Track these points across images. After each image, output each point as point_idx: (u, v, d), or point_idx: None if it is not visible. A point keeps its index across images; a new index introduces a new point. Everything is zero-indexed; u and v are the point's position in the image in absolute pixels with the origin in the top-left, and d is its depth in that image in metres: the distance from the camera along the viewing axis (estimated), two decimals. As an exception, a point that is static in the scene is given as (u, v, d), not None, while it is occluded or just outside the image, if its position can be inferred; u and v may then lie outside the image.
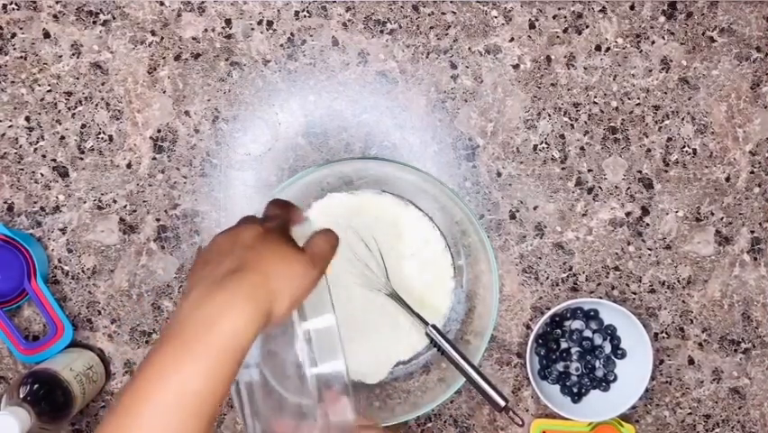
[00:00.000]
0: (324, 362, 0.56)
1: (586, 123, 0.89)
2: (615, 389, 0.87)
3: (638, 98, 0.89)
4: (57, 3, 0.87)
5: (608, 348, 0.88)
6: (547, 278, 0.89)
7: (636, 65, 0.89)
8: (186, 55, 0.88)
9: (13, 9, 0.87)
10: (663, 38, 0.89)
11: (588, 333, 0.88)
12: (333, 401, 0.57)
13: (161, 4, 0.87)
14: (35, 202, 0.87)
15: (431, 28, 0.88)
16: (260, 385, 0.57)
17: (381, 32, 0.88)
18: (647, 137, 0.89)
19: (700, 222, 0.89)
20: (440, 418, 0.88)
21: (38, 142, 0.87)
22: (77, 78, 0.87)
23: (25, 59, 0.87)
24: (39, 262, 0.84)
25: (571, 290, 0.89)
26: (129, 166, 0.88)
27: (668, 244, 0.89)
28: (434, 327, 0.80)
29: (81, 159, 0.87)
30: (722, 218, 0.89)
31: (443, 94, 0.88)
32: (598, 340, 0.87)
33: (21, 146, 0.87)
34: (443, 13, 0.88)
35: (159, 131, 0.88)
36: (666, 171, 0.89)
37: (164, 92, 0.88)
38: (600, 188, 0.89)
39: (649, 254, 0.89)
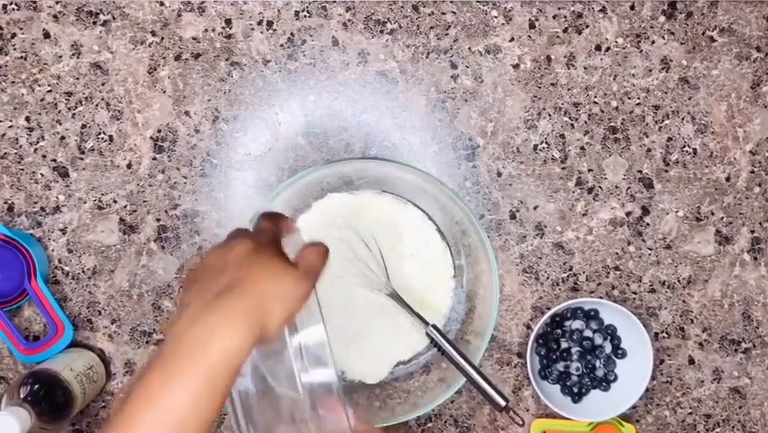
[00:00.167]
0: (316, 371, 0.56)
1: (586, 122, 0.89)
2: (615, 389, 0.87)
3: (638, 98, 0.89)
4: (57, 3, 0.87)
5: (608, 348, 0.88)
6: (547, 278, 0.89)
7: (636, 65, 0.89)
8: (186, 55, 0.88)
9: (13, 9, 0.87)
10: (663, 38, 0.89)
11: (588, 333, 0.88)
12: (329, 410, 0.57)
13: (161, 4, 0.87)
14: (35, 202, 0.87)
15: (431, 28, 0.88)
16: (255, 393, 0.57)
17: (381, 32, 0.88)
18: (647, 137, 0.89)
19: (701, 222, 0.89)
20: (440, 418, 0.88)
21: (38, 142, 0.87)
22: (78, 79, 0.87)
23: (25, 59, 0.87)
24: (39, 262, 0.84)
25: (571, 289, 0.89)
26: (129, 166, 0.88)
27: (668, 243, 0.89)
28: (434, 327, 0.80)
29: (81, 159, 0.87)
30: (722, 218, 0.89)
31: (443, 94, 0.88)
32: (598, 340, 0.87)
33: (21, 146, 0.87)
34: (443, 13, 0.88)
35: (159, 131, 0.88)
36: (666, 171, 0.89)
37: (164, 92, 0.88)
38: (600, 187, 0.89)
39: (649, 254, 0.89)
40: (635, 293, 0.89)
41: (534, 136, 0.89)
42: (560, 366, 0.88)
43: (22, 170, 0.87)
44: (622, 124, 0.89)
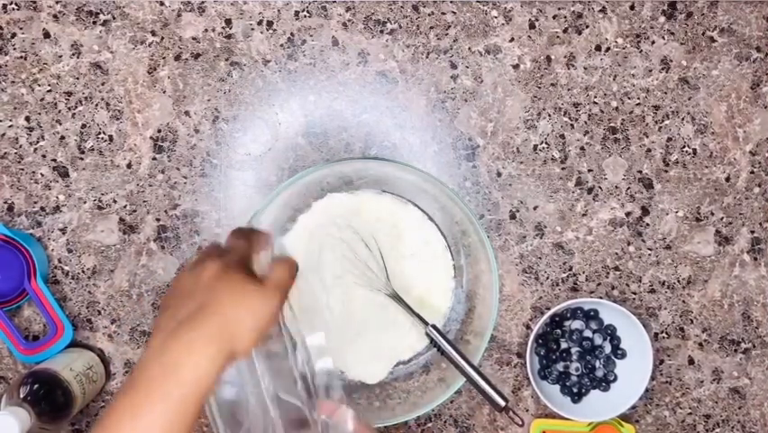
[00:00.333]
0: (319, 373, 0.56)
1: (586, 123, 0.89)
2: (615, 389, 0.87)
3: (638, 98, 0.89)
4: (57, 3, 0.87)
5: (608, 348, 0.88)
6: (547, 278, 0.89)
7: (636, 65, 0.89)
8: (186, 55, 0.88)
9: (13, 9, 0.87)
10: (663, 38, 0.89)
11: (588, 333, 0.88)
12: (332, 410, 0.57)
13: (161, 4, 0.87)
14: (35, 202, 0.87)
15: (431, 28, 0.88)
16: (236, 402, 0.57)
17: (381, 32, 0.88)
18: (647, 137, 0.89)
19: (700, 222, 0.89)
20: (440, 418, 0.88)
21: (38, 142, 0.87)
22: (78, 78, 0.87)
23: (25, 59, 0.87)
24: (39, 262, 0.84)
25: (571, 290, 0.89)
26: (129, 166, 0.88)
27: (668, 244, 0.89)
28: (434, 327, 0.80)
29: (81, 159, 0.87)
30: (722, 218, 0.89)
31: (443, 94, 0.88)
32: (598, 340, 0.87)
33: (21, 146, 0.87)
34: (443, 13, 0.88)
35: (159, 131, 0.88)
36: (666, 171, 0.89)
37: (164, 92, 0.88)
38: (600, 188, 0.89)
39: (649, 254, 0.89)
40: (634, 293, 0.89)
41: (534, 136, 0.89)
42: (559, 366, 0.88)
43: (22, 170, 0.87)
44: (622, 124, 0.89)
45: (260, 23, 0.88)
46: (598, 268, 0.89)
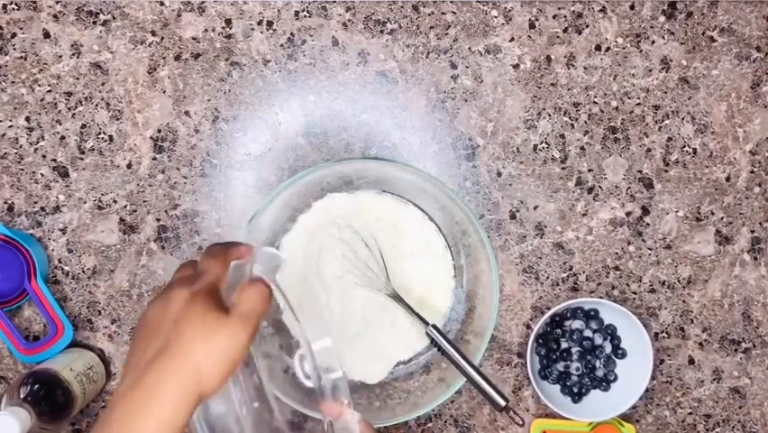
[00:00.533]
0: (326, 375, 0.55)
1: (586, 122, 0.89)
2: (615, 389, 0.87)
3: (638, 98, 0.89)
4: (57, 3, 0.87)
5: (608, 348, 0.88)
6: (547, 278, 0.89)
7: (636, 65, 0.89)
8: (186, 55, 0.88)
9: (13, 9, 0.87)
10: (663, 38, 0.89)
11: (588, 333, 0.88)
12: (338, 412, 0.56)
13: (161, 4, 0.87)
14: (35, 202, 0.87)
15: (431, 28, 0.88)
16: (224, 415, 0.56)
17: (381, 32, 0.88)
18: (647, 137, 0.89)
19: (700, 222, 0.89)
20: (440, 418, 0.88)
21: (38, 142, 0.87)
22: (78, 78, 0.87)
23: (25, 59, 0.87)
24: (39, 262, 0.84)
25: (571, 289, 0.89)
26: (129, 166, 0.88)
27: (668, 243, 0.89)
28: (434, 326, 0.80)
29: (81, 159, 0.87)
30: (722, 218, 0.89)
31: (443, 94, 0.88)
32: (598, 340, 0.87)
33: (21, 146, 0.87)
34: (443, 13, 0.88)
35: (159, 131, 0.88)
36: (666, 171, 0.89)
37: (164, 92, 0.88)
38: (600, 187, 0.89)
39: (649, 254, 0.89)
40: (635, 293, 0.89)
41: (534, 136, 0.89)
42: (560, 366, 0.88)
43: (22, 170, 0.87)
44: (622, 124, 0.89)
45: (260, 22, 0.88)
46: (599, 268, 0.89)
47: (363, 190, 0.85)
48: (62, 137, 0.87)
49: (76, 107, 0.87)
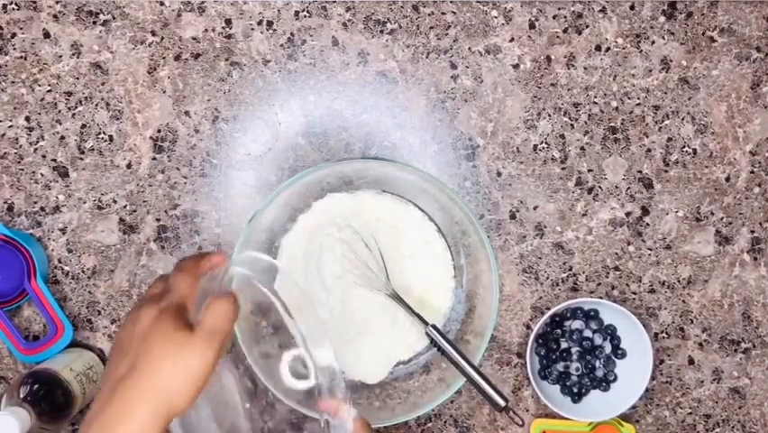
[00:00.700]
0: (323, 373, 0.55)
1: (586, 123, 0.89)
2: (615, 389, 0.87)
3: (638, 98, 0.89)
4: (57, 3, 0.87)
5: (608, 348, 0.88)
6: (547, 278, 0.89)
7: (636, 65, 0.89)
8: (186, 55, 0.88)
9: (13, 9, 0.87)
10: (663, 38, 0.89)
11: (588, 333, 0.88)
12: (335, 408, 0.56)
13: (161, 4, 0.87)
14: (35, 202, 0.87)
15: (431, 28, 0.88)
16: (206, 418, 0.56)
17: (381, 32, 0.88)
18: (647, 137, 0.89)
19: (700, 222, 0.89)
20: (440, 418, 0.88)
21: (38, 142, 0.87)
22: (77, 78, 0.87)
23: (25, 59, 0.87)
24: (39, 262, 0.84)
25: (571, 289, 0.89)
26: (129, 166, 0.88)
27: (668, 244, 0.89)
28: (434, 326, 0.80)
29: (81, 159, 0.87)
30: (722, 218, 0.89)
31: (443, 94, 0.88)
32: (598, 340, 0.87)
33: (21, 146, 0.87)
34: (443, 13, 0.88)
35: (159, 131, 0.88)
36: (666, 171, 0.89)
37: (164, 92, 0.88)
38: (600, 188, 0.89)
39: (649, 254, 0.89)
40: (634, 293, 0.89)
41: (534, 136, 0.89)
42: (560, 366, 0.88)
43: (22, 170, 0.87)
44: (622, 124, 0.89)
45: (260, 23, 0.88)
46: (598, 268, 0.89)
47: (363, 190, 0.85)
48: (62, 137, 0.87)
49: (76, 107, 0.87)
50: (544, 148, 0.89)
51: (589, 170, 0.89)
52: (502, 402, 0.77)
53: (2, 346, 0.87)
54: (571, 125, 0.89)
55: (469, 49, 0.88)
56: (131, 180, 0.88)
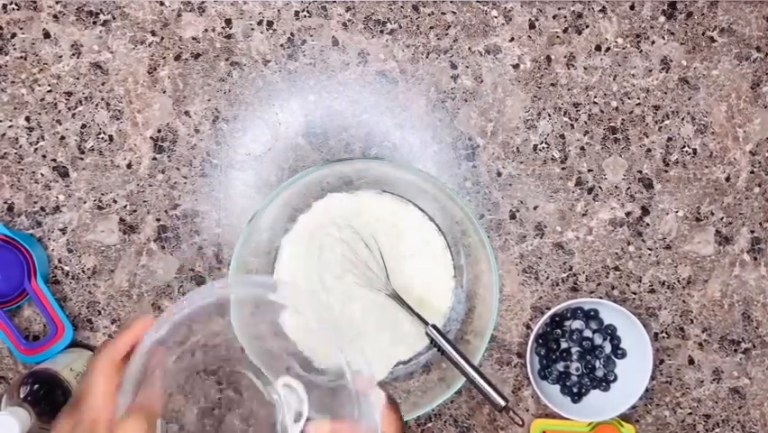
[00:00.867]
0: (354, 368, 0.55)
1: (586, 123, 0.89)
2: (615, 389, 0.87)
3: (638, 98, 0.89)
4: (57, 3, 0.87)
5: (608, 348, 0.88)
6: (547, 278, 0.89)
7: (636, 65, 0.89)
8: (186, 55, 0.88)
9: (13, 9, 0.87)
10: (663, 38, 0.89)
11: (588, 333, 0.88)
12: (366, 387, 0.55)
13: (161, 4, 0.87)
14: (35, 202, 0.87)
15: (431, 28, 0.88)
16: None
17: (381, 32, 0.88)
18: (647, 137, 0.89)
19: (700, 222, 0.89)
20: (440, 418, 0.88)
21: (38, 142, 0.87)
22: (78, 78, 0.87)
23: (25, 59, 0.87)
24: (39, 262, 0.84)
25: (571, 289, 0.89)
26: (129, 166, 0.88)
27: (668, 243, 0.89)
28: (434, 326, 0.80)
29: (81, 159, 0.87)
30: (722, 218, 0.89)
31: (443, 94, 0.88)
32: (598, 340, 0.87)
33: (21, 146, 0.87)
34: (443, 13, 0.88)
35: (159, 131, 0.88)
36: (666, 171, 0.89)
37: (164, 92, 0.88)
38: (600, 188, 0.89)
39: (649, 254, 0.89)
40: (634, 293, 0.89)
41: (534, 136, 0.89)
42: (560, 366, 0.88)
43: (22, 170, 0.87)
44: (622, 124, 0.89)
45: (260, 23, 0.88)
46: (598, 268, 0.89)
47: (363, 190, 0.85)
48: (62, 137, 0.87)
49: (76, 107, 0.87)
50: (543, 148, 0.89)
51: (589, 170, 0.89)
52: (502, 402, 0.77)
53: (2, 346, 0.87)
54: (571, 125, 0.89)
55: (469, 49, 0.88)
56: (131, 180, 0.88)
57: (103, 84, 0.87)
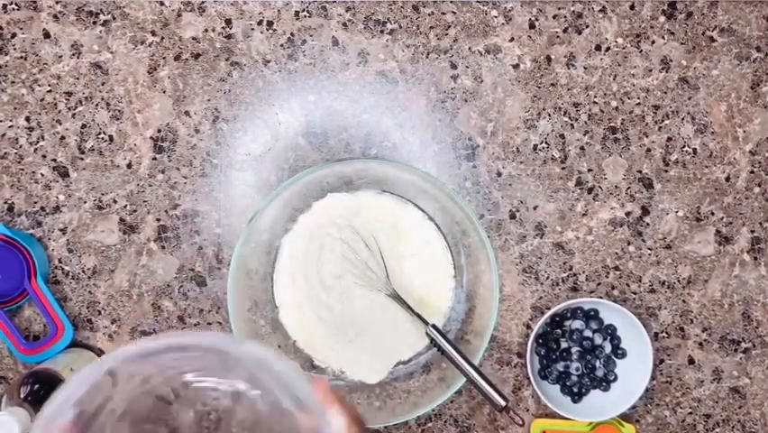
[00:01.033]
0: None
1: (586, 122, 0.89)
2: (615, 389, 0.87)
3: (638, 98, 0.89)
4: (57, 3, 0.87)
5: (608, 348, 0.88)
6: (547, 278, 0.89)
7: (636, 65, 0.89)
8: (186, 55, 0.88)
9: (13, 9, 0.87)
10: (663, 38, 0.89)
11: (588, 333, 0.88)
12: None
13: (161, 4, 0.87)
14: (35, 202, 0.87)
15: (431, 28, 0.88)
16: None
17: (381, 32, 0.88)
18: (647, 137, 0.89)
19: (700, 222, 0.89)
20: (440, 418, 0.88)
21: (38, 142, 0.87)
22: (78, 78, 0.87)
23: (25, 59, 0.87)
24: (39, 262, 0.84)
25: (571, 289, 0.89)
26: (129, 166, 0.88)
27: (668, 243, 0.89)
28: (434, 326, 0.80)
29: (81, 159, 0.87)
30: (722, 218, 0.89)
31: (443, 94, 0.88)
32: (598, 340, 0.87)
33: (21, 146, 0.87)
34: (443, 13, 0.88)
35: (159, 131, 0.88)
36: (666, 171, 0.89)
37: (164, 92, 0.88)
38: (600, 187, 0.89)
39: (649, 254, 0.89)
40: (634, 293, 0.89)
41: (534, 136, 0.89)
42: (560, 366, 0.88)
43: (22, 170, 0.87)
44: (622, 124, 0.89)
45: (260, 23, 0.88)
46: (598, 268, 0.89)
47: (363, 190, 0.85)
48: (62, 137, 0.87)
49: (76, 107, 0.87)
50: (544, 148, 0.89)
51: (589, 170, 0.89)
52: (502, 402, 0.77)
53: (2, 346, 0.87)
54: (571, 125, 0.89)
55: (469, 49, 0.88)
56: (131, 180, 0.88)
57: (103, 84, 0.87)
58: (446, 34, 0.88)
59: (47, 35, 0.87)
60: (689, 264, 0.89)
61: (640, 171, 0.89)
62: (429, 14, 0.88)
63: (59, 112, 0.87)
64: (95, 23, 0.87)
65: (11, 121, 0.87)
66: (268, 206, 0.78)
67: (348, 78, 0.88)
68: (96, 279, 0.87)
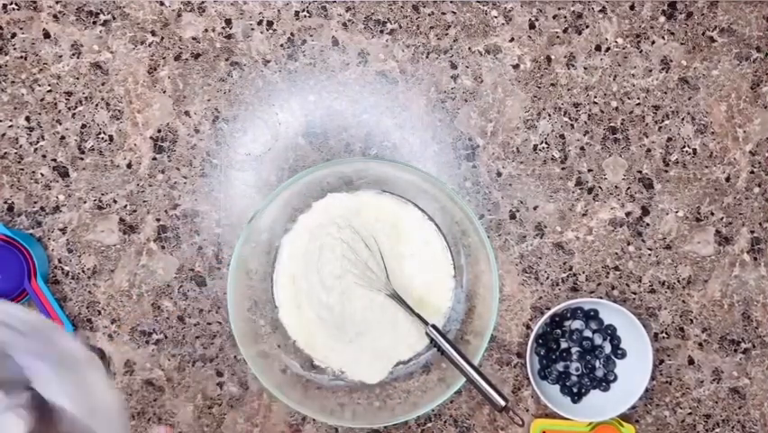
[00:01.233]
0: None
1: (586, 123, 0.89)
2: (615, 389, 0.87)
3: (638, 98, 0.89)
4: (57, 3, 0.87)
5: (608, 348, 0.88)
6: (547, 278, 0.89)
7: (636, 65, 0.89)
8: (186, 55, 0.88)
9: (13, 9, 0.87)
10: (663, 38, 0.89)
11: (588, 333, 0.88)
12: None
13: (161, 4, 0.87)
14: (35, 202, 0.87)
15: (431, 28, 0.88)
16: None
17: (381, 32, 0.88)
18: (647, 137, 0.89)
19: (700, 222, 0.89)
20: (440, 418, 0.88)
21: (38, 142, 0.87)
22: (78, 78, 0.87)
23: (25, 59, 0.87)
24: (39, 261, 0.84)
25: (571, 289, 0.89)
26: (129, 166, 0.88)
27: (668, 244, 0.89)
28: (433, 326, 0.80)
29: (81, 159, 0.87)
30: (722, 218, 0.89)
31: (443, 94, 0.88)
32: (598, 340, 0.87)
33: (21, 146, 0.87)
34: (443, 13, 0.88)
35: (159, 131, 0.88)
36: (666, 171, 0.89)
37: (164, 92, 0.88)
38: (600, 188, 0.89)
39: (649, 254, 0.89)
40: (634, 293, 0.89)
41: (534, 136, 0.89)
42: (559, 366, 0.88)
43: (22, 170, 0.87)
44: (622, 124, 0.89)
45: (260, 22, 0.88)
46: (598, 268, 0.89)
47: (363, 190, 0.85)
48: (62, 137, 0.87)
49: (76, 107, 0.87)
50: (544, 148, 0.89)
51: (589, 170, 0.89)
52: (502, 402, 0.77)
53: (2, 346, 0.87)
54: (571, 125, 0.89)
55: (469, 49, 0.88)
56: (131, 180, 0.88)
57: (103, 84, 0.87)
58: (446, 34, 0.88)
59: (47, 35, 0.87)
60: (689, 264, 0.89)
61: (640, 171, 0.89)
62: (429, 14, 0.88)
63: (59, 112, 0.87)
64: (95, 23, 0.87)
65: (11, 121, 0.87)
66: (268, 206, 0.78)
67: (348, 78, 0.88)
68: (96, 279, 0.87)
